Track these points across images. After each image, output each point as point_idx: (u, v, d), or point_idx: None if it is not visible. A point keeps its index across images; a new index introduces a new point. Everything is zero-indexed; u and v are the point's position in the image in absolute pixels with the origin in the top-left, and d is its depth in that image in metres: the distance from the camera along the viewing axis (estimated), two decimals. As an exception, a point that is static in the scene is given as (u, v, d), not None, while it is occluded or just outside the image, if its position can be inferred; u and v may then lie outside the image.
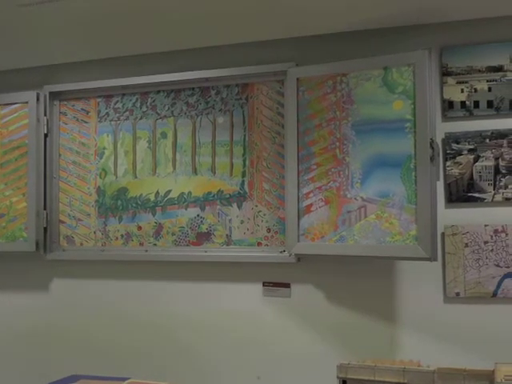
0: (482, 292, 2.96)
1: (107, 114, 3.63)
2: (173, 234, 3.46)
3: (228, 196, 3.37)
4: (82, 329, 3.62)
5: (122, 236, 3.56)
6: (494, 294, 2.94)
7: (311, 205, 3.04)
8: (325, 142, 3.00)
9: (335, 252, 2.98)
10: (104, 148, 3.63)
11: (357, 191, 2.92)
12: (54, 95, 3.69)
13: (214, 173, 3.40)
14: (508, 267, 2.93)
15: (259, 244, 3.31)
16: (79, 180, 3.66)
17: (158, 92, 3.52)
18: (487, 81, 3.01)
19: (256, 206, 3.32)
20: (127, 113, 3.59)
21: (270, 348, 3.29)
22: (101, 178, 3.62)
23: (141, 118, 3.56)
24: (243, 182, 3.35)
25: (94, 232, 3.62)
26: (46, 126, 3.65)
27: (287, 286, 3.28)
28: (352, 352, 3.09)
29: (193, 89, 3.45)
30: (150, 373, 3.39)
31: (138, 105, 3.56)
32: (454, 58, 3.05)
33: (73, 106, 3.70)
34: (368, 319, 3.15)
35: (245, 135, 3.36)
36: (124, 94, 3.59)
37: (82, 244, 3.65)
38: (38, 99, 3.64)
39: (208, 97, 3.43)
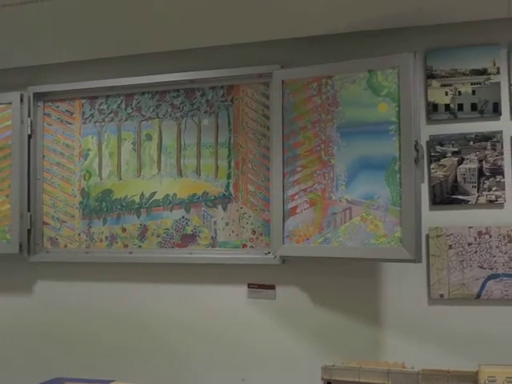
0: (466, 294, 2.98)
1: (92, 115, 3.61)
2: (158, 236, 3.45)
3: (213, 198, 3.37)
4: (66, 331, 3.60)
5: (106, 238, 3.54)
6: (478, 296, 2.96)
7: (296, 207, 3.04)
8: (310, 144, 3.01)
9: (320, 254, 2.99)
10: (88, 149, 3.61)
11: (342, 193, 2.93)
12: (38, 96, 3.67)
13: (199, 175, 3.40)
14: (491, 269, 2.95)
15: (244, 246, 3.31)
16: (63, 181, 3.64)
17: (143, 93, 3.51)
18: (471, 84, 3.03)
19: (241, 207, 3.32)
20: (112, 114, 3.57)
21: (255, 350, 3.28)
22: (85, 179, 3.60)
23: (126, 120, 3.55)
24: (228, 183, 3.35)
25: (78, 234, 3.60)
26: (29, 128, 3.63)
27: (272, 287, 3.27)
28: (337, 353, 3.09)
29: (178, 90, 3.45)
30: (134, 374, 3.39)
31: (123, 106, 3.55)
32: (439, 61, 3.07)
33: (57, 107, 3.68)
34: (353, 321, 3.15)
35: (230, 137, 3.35)
36: (109, 96, 3.58)
37: (66, 246, 3.63)
38: (21, 100, 3.61)
39: (193, 98, 3.43)
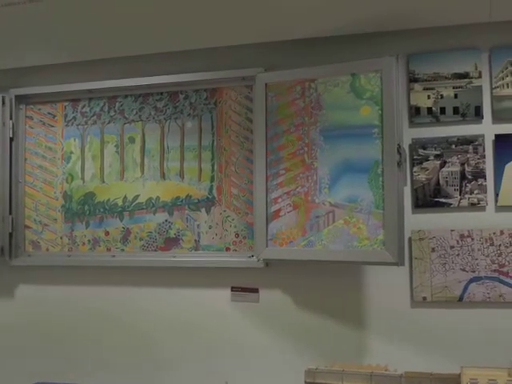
0: (449, 296, 2.99)
1: (74, 118, 3.59)
2: (141, 239, 3.44)
3: (196, 201, 3.36)
4: (48, 334, 3.57)
5: (88, 241, 3.52)
6: (460, 299, 2.98)
7: (279, 210, 3.04)
8: (293, 147, 3.01)
9: (303, 257, 2.99)
10: (71, 152, 3.59)
11: (325, 196, 2.93)
12: (20, 99, 3.64)
13: (183, 178, 3.39)
14: (474, 272, 2.97)
15: (227, 249, 3.30)
16: (45, 185, 3.61)
17: (126, 96, 3.49)
18: (453, 87, 3.05)
19: (224, 210, 3.32)
20: (94, 117, 3.55)
21: (239, 353, 3.28)
22: (67, 182, 3.57)
23: (108, 123, 3.53)
24: (212, 187, 3.34)
25: (61, 237, 3.58)
26: (11, 130, 3.60)
27: (255, 291, 3.27)
28: (320, 357, 3.10)
29: (161, 93, 3.44)
30: (117, 376, 3.39)
31: (106, 109, 3.54)
32: (421, 65, 3.08)
33: (39, 109, 3.66)
34: (336, 324, 3.16)
35: (213, 140, 3.35)
36: (91, 98, 3.56)
37: (47, 249, 3.60)
38: (3, 103, 3.58)
39: (176, 101, 3.42)
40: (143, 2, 2.79)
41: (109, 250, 3.49)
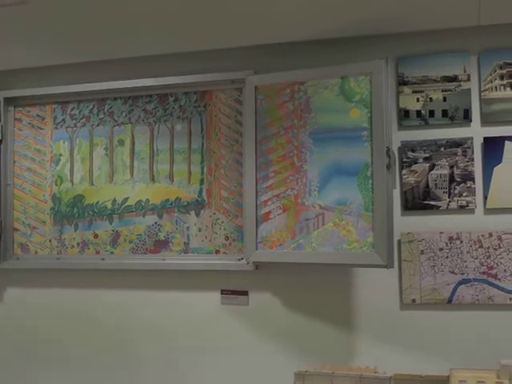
0: (438, 298, 3.00)
1: (63, 120, 3.58)
2: (130, 242, 3.43)
3: (186, 204, 3.36)
4: (37, 338, 3.55)
5: (78, 244, 3.51)
6: (449, 301, 2.99)
7: (269, 212, 3.04)
8: (283, 149, 3.01)
9: (293, 260, 2.99)
10: (60, 155, 3.58)
11: (314, 199, 2.93)
12: (9, 101, 3.63)
13: (172, 180, 3.38)
14: (462, 274, 2.98)
15: (217, 252, 3.30)
16: (34, 187, 3.60)
17: (116, 99, 3.49)
18: (442, 90, 3.06)
19: (214, 213, 3.31)
20: (84, 119, 3.55)
21: (229, 355, 3.27)
22: (56, 185, 3.56)
23: (98, 125, 3.52)
24: (201, 189, 3.34)
25: (50, 240, 3.56)
26: (0, 133, 3.58)
27: (245, 293, 3.27)
28: (310, 359, 3.10)
29: (151, 96, 3.43)
30: (108, 380, 3.37)
31: (95, 111, 3.53)
32: (410, 68, 3.09)
33: (28, 112, 3.64)
34: (325, 326, 3.16)
35: (203, 143, 3.35)
36: (80, 101, 3.55)
37: (36, 252, 3.58)
38: (-8, 105, 3.58)
39: (166, 104, 3.42)
40: (133, 5, 2.78)
41: (98, 252, 3.48)
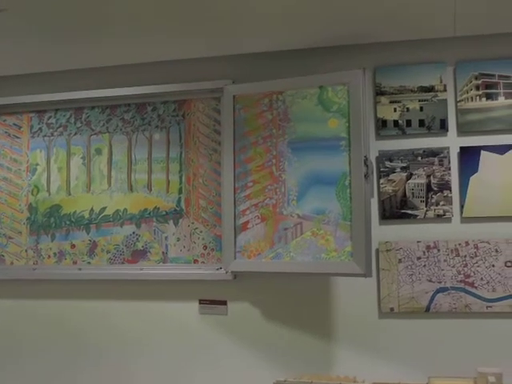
0: (416, 307, 3.01)
1: (40, 129, 3.55)
2: (107, 252, 3.40)
3: (164, 213, 3.34)
4: (13, 350, 3.50)
5: (54, 254, 3.48)
6: (427, 309, 3.00)
7: (247, 222, 3.04)
8: (261, 159, 3.01)
9: (271, 269, 2.98)
10: (36, 164, 3.54)
11: (293, 208, 2.94)
12: (-15, 110, 3.60)
13: (150, 190, 3.37)
14: (440, 282, 3.00)
15: (195, 261, 3.29)
16: (10, 197, 3.56)
17: (93, 108, 3.47)
18: (419, 100, 3.09)
19: (192, 223, 3.30)
20: (61, 128, 3.52)
21: (207, 365, 3.26)
22: (33, 194, 3.53)
23: (75, 134, 3.50)
24: (179, 199, 3.33)
25: (26, 250, 3.52)
26: (-25, 141, 3.56)
27: (224, 303, 3.26)
28: (289, 368, 3.10)
29: (129, 105, 3.42)
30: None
31: (72, 120, 3.50)
32: (387, 78, 3.12)
33: (4, 120, 3.61)
34: (304, 335, 3.16)
35: (181, 152, 3.34)
36: (58, 110, 3.53)
37: (12, 263, 3.54)
38: (-33, 113, 3.54)
39: (144, 113, 3.41)
40: (111, 14, 2.77)
41: (75, 263, 3.45)
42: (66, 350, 3.44)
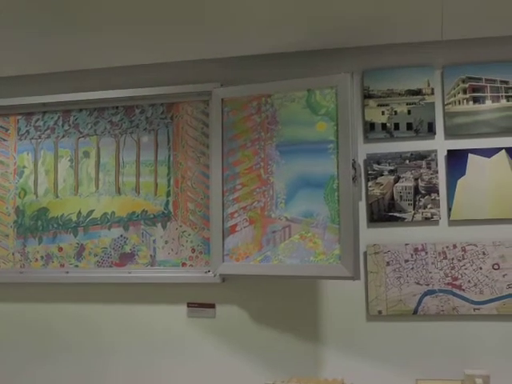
0: (403, 310, 3.02)
1: (27, 131, 3.53)
2: (95, 255, 3.39)
3: (152, 216, 3.34)
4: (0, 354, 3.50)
5: (41, 257, 3.46)
6: (415, 312, 3.01)
7: (236, 225, 3.03)
8: (249, 162, 3.01)
9: (260, 272, 2.98)
10: (24, 167, 3.53)
11: (281, 211, 2.94)
12: (-29, 112, 3.58)
13: (138, 193, 3.36)
14: (428, 285, 3.01)
15: (184, 264, 3.28)
16: (-3, 200, 3.55)
17: (81, 110, 3.45)
18: (407, 104, 3.10)
19: (180, 226, 3.30)
20: (48, 131, 3.50)
21: (196, 369, 3.25)
22: (20, 197, 3.51)
23: (63, 137, 3.48)
24: (168, 201, 3.32)
25: (13, 253, 3.50)
26: (-38, 144, 3.53)
27: (212, 306, 3.25)
28: (277, 371, 3.10)
29: (117, 107, 3.41)
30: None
31: (60, 123, 3.49)
32: (375, 82, 3.13)
33: (-9, 123, 3.60)
34: (293, 338, 3.16)
35: (169, 155, 3.33)
36: (45, 112, 3.51)
37: (-1, 266, 3.53)
38: (-47, 116, 3.52)
39: (132, 116, 3.40)
40: (98, 16, 2.76)
41: (62, 266, 3.43)
42: (53, 353, 3.42)
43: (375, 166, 3.09)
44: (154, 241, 3.33)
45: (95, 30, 2.91)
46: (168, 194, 3.32)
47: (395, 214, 3.07)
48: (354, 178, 2.76)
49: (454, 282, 2.99)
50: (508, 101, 3.02)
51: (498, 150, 3.00)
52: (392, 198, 3.07)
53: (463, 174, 3.02)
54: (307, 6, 2.69)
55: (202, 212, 3.27)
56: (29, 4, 2.64)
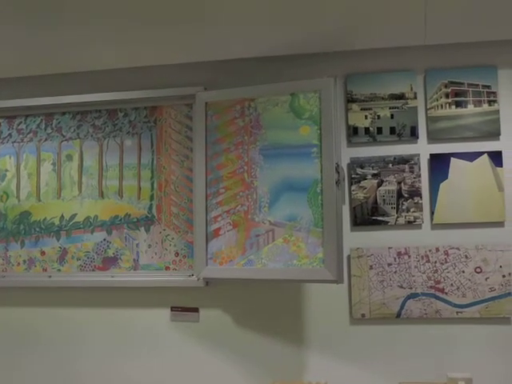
0: (387, 313, 3.03)
1: (10, 135, 3.51)
2: (78, 259, 3.37)
3: (135, 220, 3.32)
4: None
5: (24, 261, 3.43)
6: (398, 315, 3.02)
7: (219, 229, 3.03)
8: (233, 165, 3.01)
9: (243, 276, 2.98)
10: (6, 170, 3.50)
11: (265, 215, 2.94)
12: (-47, 115, 3.55)
13: (122, 196, 3.35)
14: (411, 288, 3.02)
15: (167, 268, 3.27)
16: (-21, 203, 3.52)
17: (64, 114, 3.44)
18: (390, 108, 3.11)
19: (164, 229, 3.29)
20: (31, 134, 3.48)
21: (179, 373, 3.24)
22: (2, 201, 3.48)
23: (45, 140, 3.46)
24: (151, 205, 3.31)
25: (-5, 258, 3.48)
26: None
27: (195, 310, 3.25)
28: (261, 375, 3.10)
29: (100, 111, 3.40)
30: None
31: (43, 126, 3.47)
32: (358, 86, 3.14)
33: (-27, 126, 3.57)
34: (276, 342, 3.16)
35: (153, 158, 3.33)
36: (28, 115, 3.49)
37: (-19, 270, 3.50)
38: None
39: (115, 119, 3.38)
40: (81, 18, 2.75)
41: (45, 270, 3.41)
42: (36, 358, 3.40)
43: (358, 170, 3.10)
44: (138, 245, 3.32)
45: (79, 32, 2.90)
46: (151, 198, 3.31)
47: (378, 218, 3.08)
48: (337, 182, 2.77)
49: (436, 286, 3.00)
50: (490, 105, 3.05)
51: (481, 154, 3.03)
52: (375, 201, 3.08)
53: (446, 177, 3.04)
54: (291, 11, 2.69)
55: (186, 216, 3.26)
56: (10, 4, 2.62)
